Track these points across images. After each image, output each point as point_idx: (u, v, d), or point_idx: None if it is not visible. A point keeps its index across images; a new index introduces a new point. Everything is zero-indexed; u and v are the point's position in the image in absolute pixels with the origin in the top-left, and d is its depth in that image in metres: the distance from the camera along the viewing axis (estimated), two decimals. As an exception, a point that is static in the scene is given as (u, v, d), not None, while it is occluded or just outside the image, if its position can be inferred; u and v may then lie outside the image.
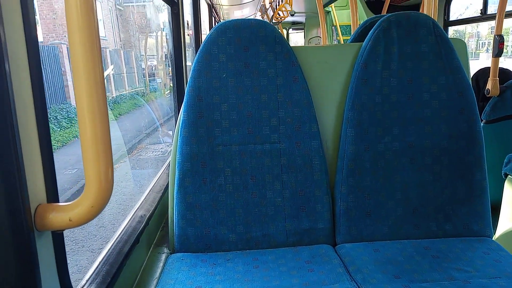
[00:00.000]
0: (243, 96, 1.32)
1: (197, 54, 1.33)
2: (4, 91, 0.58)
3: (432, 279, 1.09)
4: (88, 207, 0.65)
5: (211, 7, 5.89)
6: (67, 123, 6.67)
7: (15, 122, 0.60)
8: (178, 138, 1.30)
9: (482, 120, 2.62)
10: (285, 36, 10.33)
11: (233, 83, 1.31)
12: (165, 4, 2.14)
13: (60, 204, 0.68)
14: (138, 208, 1.40)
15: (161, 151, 7.11)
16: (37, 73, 0.67)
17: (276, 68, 1.32)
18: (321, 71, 1.41)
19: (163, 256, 1.34)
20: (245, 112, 1.32)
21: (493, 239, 1.37)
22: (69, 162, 5.09)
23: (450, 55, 1.35)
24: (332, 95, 1.42)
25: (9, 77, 0.59)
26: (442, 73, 1.35)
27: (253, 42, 1.32)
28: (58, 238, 0.73)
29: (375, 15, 1.52)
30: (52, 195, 0.71)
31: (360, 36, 1.52)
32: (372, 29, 1.37)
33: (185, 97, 1.31)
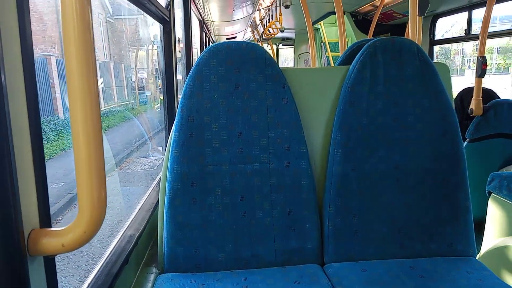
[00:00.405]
0: (233, 116, 1.34)
1: (188, 75, 1.35)
2: (0, 114, 0.59)
3: None
4: (81, 232, 0.66)
5: (202, 23, 5.96)
6: (55, 136, 6.60)
7: (11, 146, 0.61)
8: (169, 158, 1.32)
9: (466, 139, 2.69)
10: (275, 52, 10.46)
11: (224, 103, 1.34)
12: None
13: (53, 229, 0.69)
14: (127, 227, 1.40)
15: (150, 165, 7.06)
16: (33, 93, 0.67)
17: (266, 90, 1.35)
18: (310, 93, 1.45)
19: (152, 276, 1.34)
20: (235, 132, 1.34)
21: (478, 256, 1.40)
22: (56, 176, 5.03)
23: (434, 78, 1.40)
24: (320, 116, 1.46)
25: (6, 98, 0.60)
26: (425, 96, 1.39)
27: (244, 63, 1.35)
28: (50, 263, 0.74)
29: (362, 39, 1.57)
30: (45, 220, 0.71)
31: (347, 59, 1.56)
32: (359, 53, 1.41)
33: (176, 117, 1.33)
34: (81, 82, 0.61)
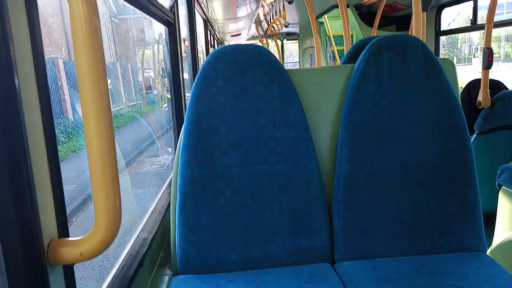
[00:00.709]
0: (241, 119, 1.36)
1: (195, 79, 1.37)
2: (16, 124, 0.59)
3: None
4: (98, 241, 0.68)
5: (207, 22, 5.97)
6: (65, 138, 6.68)
7: (29, 159, 0.63)
8: (179, 162, 1.34)
9: (474, 132, 2.68)
10: (280, 47, 10.42)
11: (231, 106, 1.35)
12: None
13: (71, 239, 0.71)
14: (141, 230, 1.43)
15: (159, 164, 7.11)
16: (47, 101, 0.68)
17: (272, 91, 1.37)
18: (315, 93, 1.46)
19: (166, 278, 1.37)
20: (243, 135, 1.36)
21: (489, 251, 1.41)
22: (68, 178, 5.10)
23: (439, 75, 1.40)
24: (326, 116, 1.47)
25: (21, 106, 0.61)
26: (431, 92, 1.39)
27: (249, 66, 1.37)
28: (69, 272, 0.76)
29: (366, 37, 1.57)
30: (63, 230, 0.74)
31: (352, 56, 1.57)
32: (363, 52, 1.42)
33: (184, 121, 1.35)
34: (91, 88, 0.62)
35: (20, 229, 0.63)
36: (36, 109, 0.67)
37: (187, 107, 1.37)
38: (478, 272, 1.24)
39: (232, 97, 1.36)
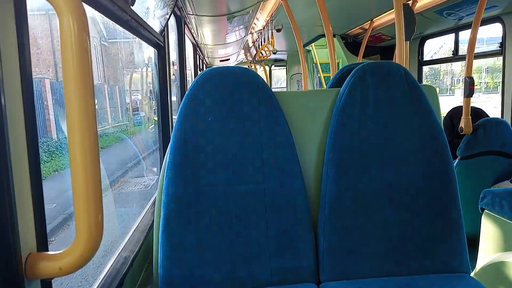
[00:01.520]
0: (227, 138, 1.36)
1: (183, 99, 1.38)
2: (1, 142, 0.60)
3: None
4: (78, 256, 0.67)
5: (196, 46, 6.06)
6: (48, 157, 6.56)
7: (10, 170, 0.62)
8: (164, 179, 1.33)
9: (457, 156, 2.74)
10: (268, 73, 10.60)
11: (218, 126, 1.36)
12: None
13: (50, 253, 0.70)
14: (122, 249, 1.40)
15: (144, 185, 7.01)
16: (31, 118, 0.69)
17: (260, 112, 1.39)
18: (302, 115, 1.48)
19: None
20: (229, 154, 1.36)
21: (473, 273, 1.41)
22: (49, 197, 4.97)
23: (422, 100, 1.44)
24: (313, 137, 1.49)
25: (6, 124, 0.61)
26: (414, 117, 1.43)
27: (237, 87, 1.39)
28: (47, 287, 0.74)
29: (351, 63, 1.62)
30: (42, 243, 0.72)
31: (338, 82, 1.61)
32: (349, 76, 1.46)
33: (171, 139, 1.35)
34: (79, 108, 0.63)
35: None
36: (20, 124, 0.67)
37: (174, 125, 1.38)
38: None
39: (219, 117, 1.37)
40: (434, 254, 1.39)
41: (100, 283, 1.14)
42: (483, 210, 2.09)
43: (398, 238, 1.39)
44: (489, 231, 2.05)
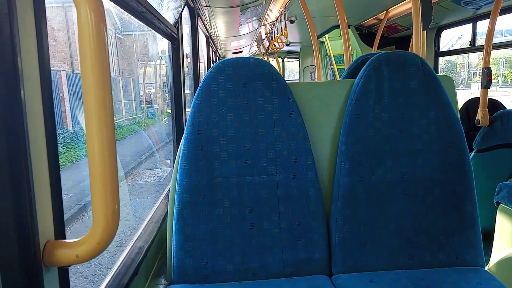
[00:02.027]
0: (241, 129, 1.37)
1: (197, 90, 1.38)
2: (19, 129, 0.61)
3: None
4: (95, 244, 0.68)
5: (209, 39, 6.05)
6: (63, 148, 6.69)
7: (29, 160, 0.64)
8: (178, 170, 1.34)
9: (473, 149, 2.69)
10: (281, 65, 10.54)
11: (231, 117, 1.37)
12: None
13: (67, 240, 0.71)
14: (137, 238, 1.42)
15: (157, 177, 7.10)
16: (49, 105, 0.70)
17: (273, 104, 1.38)
18: (316, 106, 1.47)
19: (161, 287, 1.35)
20: (243, 145, 1.36)
21: (487, 267, 1.39)
22: (65, 187, 5.09)
23: (439, 91, 1.41)
24: (326, 129, 1.48)
25: (25, 113, 0.63)
26: (431, 108, 1.41)
27: (251, 79, 1.38)
28: (63, 274, 0.76)
29: (366, 54, 1.59)
30: (60, 231, 0.73)
31: (352, 72, 1.59)
32: (364, 67, 1.44)
33: (185, 130, 1.36)
34: (96, 98, 0.64)
35: (16, 230, 0.63)
36: (39, 114, 0.68)
37: (187, 117, 1.38)
38: (477, 287, 1.23)
39: (233, 108, 1.37)
40: (448, 247, 1.38)
41: (115, 272, 1.16)
42: (498, 204, 2.06)
43: (412, 231, 1.38)
44: (504, 225, 2.01)
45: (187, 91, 2.62)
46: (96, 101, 0.64)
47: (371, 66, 1.42)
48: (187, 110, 2.36)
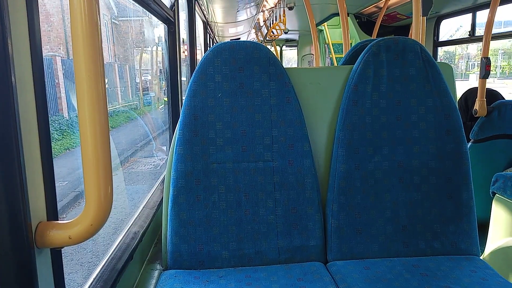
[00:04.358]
0: (237, 115, 1.35)
1: (193, 74, 1.36)
2: (10, 109, 0.60)
3: None
4: (88, 225, 0.67)
5: (206, 24, 5.98)
6: (59, 135, 6.63)
7: (20, 141, 0.62)
8: (173, 155, 1.33)
9: (470, 140, 2.69)
10: (279, 53, 10.47)
11: (228, 102, 1.35)
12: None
13: (60, 222, 0.70)
14: (132, 224, 1.41)
15: (153, 165, 7.08)
16: (41, 91, 0.69)
17: (270, 89, 1.37)
18: (313, 92, 1.46)
19: (156, 273, 1.35)
20: (239, 131, 1.35)
21: (481, 257, 1.40)
22: (60, 174, 5.06)
23: (437, 78, 1.40)
24: (324, 115, 1.46)
25: (15, 96, 0.61)
26: (429, 95, 1.40)
27: (248, 63, 1.36)
28: (56, 256, 0.75)
29: (365, 39, 1.57)
30: (52, 213, 0.72)
31: (351, 59, 1.57)
32: (362, 53, 1.42)
33: (180, 115, 1.34)
34: (89, 81, 0.63)
35: (7, 210, 0.62)
36: (30, 95, 0.67)
37: (183, 102, 1.37)
38: (471, 275, 1.23)
39: (229, 93, 1.35)
40: (443, 235, 1.38)
41: (110, 256, 1.16)
42: (494, 194, 2.06)
43: (407, 219, 1.38)
44: (500, 215, 2.02)
45: (183, 79, 2.59)
46: (89, 83, 0.63)
47: (370, 52, 1.40)
48: (183, 97, 2.34)
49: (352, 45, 1.68)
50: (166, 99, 2.41)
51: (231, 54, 1.36)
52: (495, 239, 2.02)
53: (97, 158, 0.65)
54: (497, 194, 2.04)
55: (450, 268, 1.28)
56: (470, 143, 2.68)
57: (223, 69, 1.35)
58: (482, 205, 2.22)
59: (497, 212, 2.04)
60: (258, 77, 1.36)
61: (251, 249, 1.33)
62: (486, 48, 2.74)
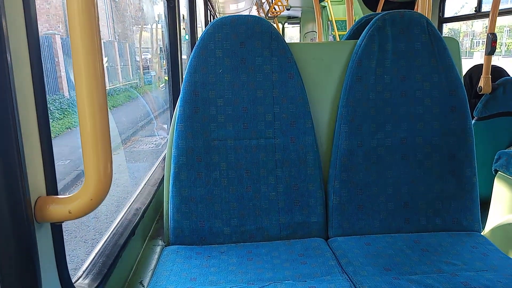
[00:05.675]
0: (238, 91, 1.33)
1: (193, 49, 1.34)
2: (6, 85, 0.59)
3: (421, 272, 1.12)
4: (87, 199, 0.67)
5: (207, 1, 5.86)
6: (60, 114, 6.62)
7: (17, 116, 0.61)
8: (174, 132, 1.32)
9: (474, 117, 2.66)
10: (281, 31, 10.31)
11: (229, 78, 1.33)
12: (161, -3, 2.14)
13: (59, 196, 0.69)
14: (133, 201, 1.42)
15: (155, 144, 7.09)
16: (38, 67, 0.68)
17: (272, 64, 1.34)
18: (316, 68, 1.43)
19: (158, 249, 1.36)
20: (240, 107, 1.33)
21: (482, 233, 1.40)
22: (62, 153, 5.07)
23: (443, 53, 1.37)
24: (326, 91, 1.44)
25: (11, 71, 0.60)
26: (434, 71, 1.37)
27: (249, 38, 1.33)
28: (57, 230, 0.75)
29: (370, 13, 1.53)
30: (52, 187, 0.72)
31: (355, 33, 1.53)
32: (367, 27, 1.38)
33: (181, 91, 1.32)
34: (86, 56, 0.61)
35: (6, 185, 0.61)
36: (27, 71, 0.66)
37: (183, 77, 1.34)
38: (472, 250, 1.23)
39: (230, 69, 1.33)
40: (445, 212, 1.38)
41: (112, 231, 1.16)
42: (496, 171, 2.06)
43: (409, 196, 1.38)
44: (501, 192, 2.02)
45: (184, 57, 2.55)
46: (86, 58, 0.62)
47: (375, 26, 1.36)
48: (183, 75, 2.31)
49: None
50: (167, 78, 2.38)
51: (232, 29, 1.33)
52: (496, 216, 2.03)
53: (96, 132, 0.64)
54: (499, 172, 2.03)
55: (451, 244, 1.28)
56: (473, 121, 2.65)
57: (224, 44, 1.32)
58: (484, 182, 2.21)
59: (499, 189, 2.04)
60: (260, 53, 1.34)
61: (253, 225, 1.34)
62: (492, 24, 2.68)
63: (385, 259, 1.19)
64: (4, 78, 0.59)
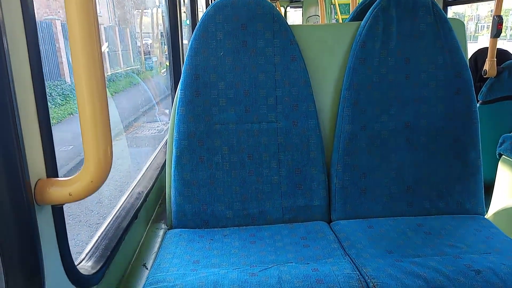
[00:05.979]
0: (240, 74, 1.31)
1: (194, 32, 1.31)
2: (3, 68, 0.58)
3: (424, 254, 1.12)
4: (88, 182, 0.66)
5: (208, -17, 5.77)
6: (62, 100, 6.60)
7: (14, 99, 0.60)
8: (175, 116, 1.31)
9: (478, 101, 2.63)
10: (283, 14, 10.18)
11: (230, 61, 1.31)
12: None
13: (59, 179, 0.69)
14: (136, 185, 1.42)
15: (157, 129, 7.08)
16: (35, 50, 0.67)
17: (274, 47, 1.32)
18: (319, 50, 1.41)
19: (161, 232, 1.36)
20: (242, 91, 1.32)
21: (485, 217, 1.40)
22: (65, 139, 5.07)
23: (449, 35, 1.34)
24: (330, 74, 1.42)
25: (8, 54, 0.59)
26: (440, 53, 1.35)
27: (250, 20, 1.31)
28: (58, 212, 0.74)
29: None
30: (52, 170, 0.71)
31: (359, 14, 1.50)
32: (371, 8, 1.36)
33: (182, 75, 1.31)
34: (83, 39, 0.61)
35: (5, 168, 0.60)
36: (24, 54, 0.65)
37: (184, 60, 1.33)
38: (476, 233, 1.23)
39: (231, 52, 1.31)
40: (449, 195, 1.37)
41: (114, 215, 1.16)
42: (500, 155, 2.04)
43: (413, 179, 1.37)
44: (505, 176, 2.01)
45: (185, 41, 2.52)
46: (83, 41, 0.61)
47: (379, 6, 1.33)
48: (184, 59, 2.28)
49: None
50: (168, 63, 2.35)
51: (233, 10, 1.30)
52: (500, 200, 2.02)
53: (95, 114, 0.63)
54: (503, 155, 2.02)
55: (454, 227, 1.28)
56: (478, 105, 2.62)
57: (225, 26, 1.30)
58: (488, 166, 2.20)
59: (503, 173, 2.02)
60: (262, 35, 1.31)
61: (255, 209, 1.34)
62: (499, 5, 2.62)
63: (387, 242, 1.19)
64: (2, 63, 0.58)
